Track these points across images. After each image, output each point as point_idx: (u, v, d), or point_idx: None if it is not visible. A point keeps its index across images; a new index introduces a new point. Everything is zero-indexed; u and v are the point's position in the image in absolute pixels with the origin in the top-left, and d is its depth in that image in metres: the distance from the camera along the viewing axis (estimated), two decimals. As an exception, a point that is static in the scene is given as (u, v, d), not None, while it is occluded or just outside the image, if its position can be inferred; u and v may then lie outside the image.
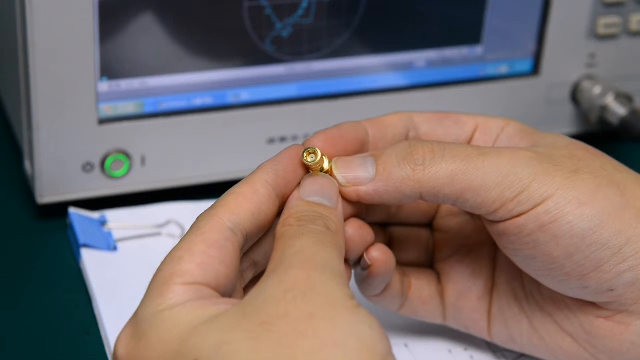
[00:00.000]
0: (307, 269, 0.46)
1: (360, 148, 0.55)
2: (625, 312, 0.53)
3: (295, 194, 0.52)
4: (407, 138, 0.57)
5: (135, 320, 0.47)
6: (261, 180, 0.51)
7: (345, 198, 0.53)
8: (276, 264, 0.47)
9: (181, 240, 0.49)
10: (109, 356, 0.61)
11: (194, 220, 0.51)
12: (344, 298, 0.45)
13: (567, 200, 0.51)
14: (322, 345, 0.42)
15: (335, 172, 0.53)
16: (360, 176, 0.53)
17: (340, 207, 0.53)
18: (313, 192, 0.52)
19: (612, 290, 0.52)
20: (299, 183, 0.53)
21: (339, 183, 0.53)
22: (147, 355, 0.46)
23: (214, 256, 0.48)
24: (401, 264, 0.60)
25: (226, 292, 0.49)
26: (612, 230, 0.52)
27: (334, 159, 0.54)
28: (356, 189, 0.53)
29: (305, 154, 0.53)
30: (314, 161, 0.53)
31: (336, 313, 0.44)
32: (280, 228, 0.50)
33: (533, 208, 0.52)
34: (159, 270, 0.49)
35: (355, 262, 0.56)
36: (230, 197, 0.51)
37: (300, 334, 0.43)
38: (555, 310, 0.56)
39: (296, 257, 0.47)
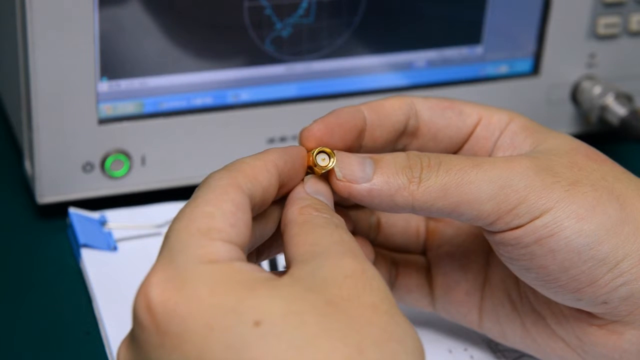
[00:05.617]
0: (360, 261, 0.45)
1: (358, 136, 0.54)
2: (618, 322, 0.53)
3: (300, 188, 0.51)
4: (406, 126, 0.56)
5: (173, 266, 0.44)
6: (273, 162, 0.50)
7: (336, 192, 0.53)
8: (315, 248, 0.46)
9: (200, 195, 0.47)
10: (109, 356, 0.61)
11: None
12: (393, 297, 0.45)
13: (566, 214, 0.51)
14: (388, 338, 0.42)
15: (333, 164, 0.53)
16: (357, 174, 0.52)
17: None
18: (318, 191, 0.52)
19: (606, 303, 0.52)
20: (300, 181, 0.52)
21: (335, 175, 0.52)
22: (193, 305, 0.43)
23: (241, 219, 0.46)
24: (390, 249, 0.60)
25: None
26: (610, 246, 0.51)
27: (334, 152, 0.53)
28: (349, 185, 0.52)
29: (317, 157, 0.52)
30: (326, 165, 0.52)
31: (395, 310, 0.44)
32: (297, 215, 0.49)
33: (531, 221, 0.51)
34: (183, 219, 0.46)
35: None
36: (246, 166, 0.49)
37: (368, 322, 0.43)
38: (549, 314, 0.56)
39: (342, 247, 0.46)
